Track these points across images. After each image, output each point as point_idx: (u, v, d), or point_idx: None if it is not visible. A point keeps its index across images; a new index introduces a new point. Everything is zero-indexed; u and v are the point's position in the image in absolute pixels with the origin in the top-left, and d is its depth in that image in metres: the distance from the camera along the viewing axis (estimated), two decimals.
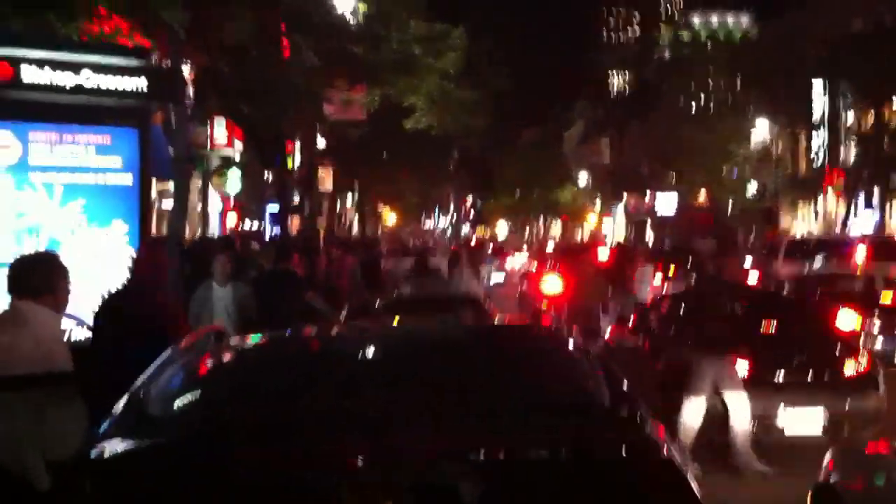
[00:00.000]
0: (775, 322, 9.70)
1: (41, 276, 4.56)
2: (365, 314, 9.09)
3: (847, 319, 13.12)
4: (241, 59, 16.97)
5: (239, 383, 3.28)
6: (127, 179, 7.70)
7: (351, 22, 18.83)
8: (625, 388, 3.07)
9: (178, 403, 2.99)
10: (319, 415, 2.73)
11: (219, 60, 16.54)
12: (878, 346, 13.18)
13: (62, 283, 4.66)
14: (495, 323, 8.89)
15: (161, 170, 11.83)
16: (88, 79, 7.45)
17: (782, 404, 8.26)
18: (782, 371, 8.73)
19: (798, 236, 37.20)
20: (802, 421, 8.24)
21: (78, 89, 7.44)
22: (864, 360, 9.15)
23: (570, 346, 3.55)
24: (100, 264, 7.45)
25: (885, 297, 15.01)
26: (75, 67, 7.43)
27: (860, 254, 20.85)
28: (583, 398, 2.84)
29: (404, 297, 12.24)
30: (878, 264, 18.96)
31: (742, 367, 8.47)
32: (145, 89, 7.71)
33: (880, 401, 8.66)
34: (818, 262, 22.05)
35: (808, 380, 8.69)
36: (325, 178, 34.97)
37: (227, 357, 3.70)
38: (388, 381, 3.13)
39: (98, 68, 7.51)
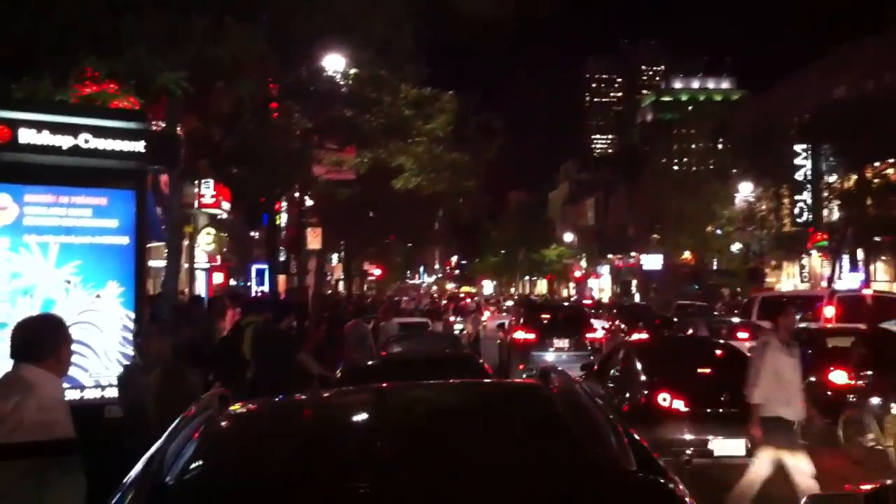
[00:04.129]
0: (713, 366, 11.21)
1: (45, 341, 4.45)
2: (361, 376, 8.91)
3: (840, 377, 13.18)
4: (232, 124, 17.06)
5: (248, 451, 3.25)
6: (123, 241, 7.65)
7: (342, 83, 18.95)
8: (646, 449, 3.04)
9: (191, 474, 2.93)
10: (327, 489, 2.71)
11: (211, 125, 16.62)
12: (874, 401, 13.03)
13: (65, 348, 4.56)
14: (496, 381, 8.78)
15: (150, 231, 11.78)
16: (87, 141, 7.41)
17: (711, 435, 9.57)
18: (713, 405, 9.99)
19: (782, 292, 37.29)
20: (729, 447, 9.51)
21: (75, 151, 7.39)
22: None
23: (585, 405, 3.45)
24: (94, 326, 7.38)
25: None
26: (73, 130, 7.40)
27: (830, 310, 20.63)
28: (611, 464, 2.79)
29: (398, 356, 12.14)
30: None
31: (681, 403, 9.82)
32: (143, 151, 7.69)
33: None
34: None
35: (734, 412, 9.46)
36: (313, 238, 34.95)
37: (236, 424, 3.64)
38: (399, 450, 3.09)
39: (96, 131, 7.47)
